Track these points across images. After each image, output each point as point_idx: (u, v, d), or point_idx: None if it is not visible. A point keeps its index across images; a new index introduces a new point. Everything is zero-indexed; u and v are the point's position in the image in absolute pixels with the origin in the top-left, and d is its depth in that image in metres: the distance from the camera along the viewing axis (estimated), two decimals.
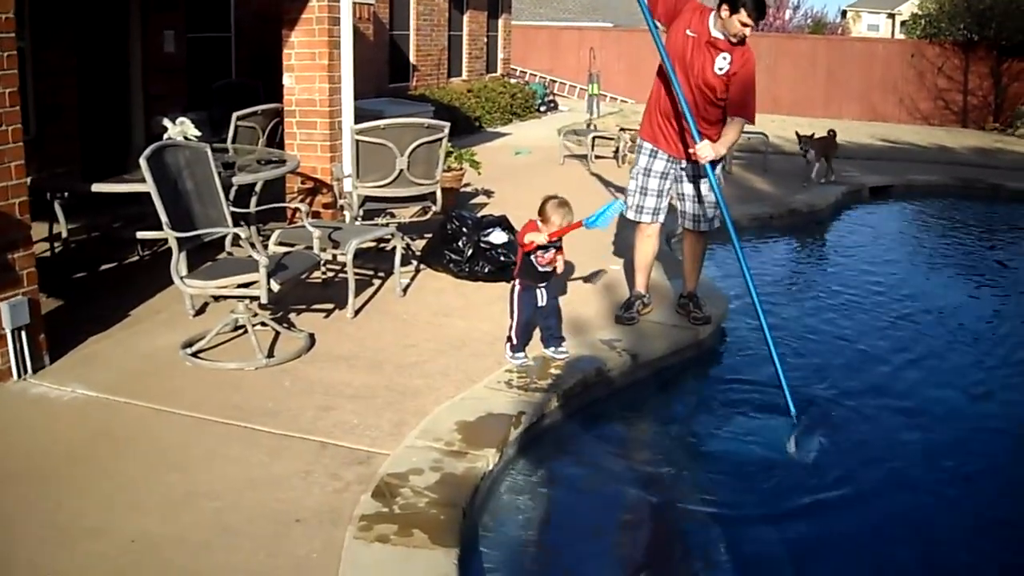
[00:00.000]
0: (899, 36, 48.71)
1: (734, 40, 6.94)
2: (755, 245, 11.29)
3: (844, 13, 65.22)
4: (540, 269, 6.44)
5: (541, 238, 6.31)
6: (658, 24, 7.05)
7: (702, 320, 7.58)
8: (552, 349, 6.61)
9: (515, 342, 6.51)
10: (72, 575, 4.08)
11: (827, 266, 10.69)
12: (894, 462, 5.88)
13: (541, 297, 6.54)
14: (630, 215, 7.50)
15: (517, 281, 6.53)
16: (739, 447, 6.05)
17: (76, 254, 8.53)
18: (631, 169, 7.61)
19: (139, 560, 4.18)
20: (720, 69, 6.97)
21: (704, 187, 7.34)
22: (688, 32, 6.98)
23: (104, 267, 8.52)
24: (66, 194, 7.87)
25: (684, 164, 7.35)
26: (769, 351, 6.59)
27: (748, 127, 7.51)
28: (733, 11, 6.81)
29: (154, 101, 11.88)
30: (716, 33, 6.95)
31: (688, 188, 7.42)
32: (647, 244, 7.62)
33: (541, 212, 6.43)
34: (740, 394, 6.82)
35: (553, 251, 6.48)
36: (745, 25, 6.82)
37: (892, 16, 60.94)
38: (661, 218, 7.53)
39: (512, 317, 6.52)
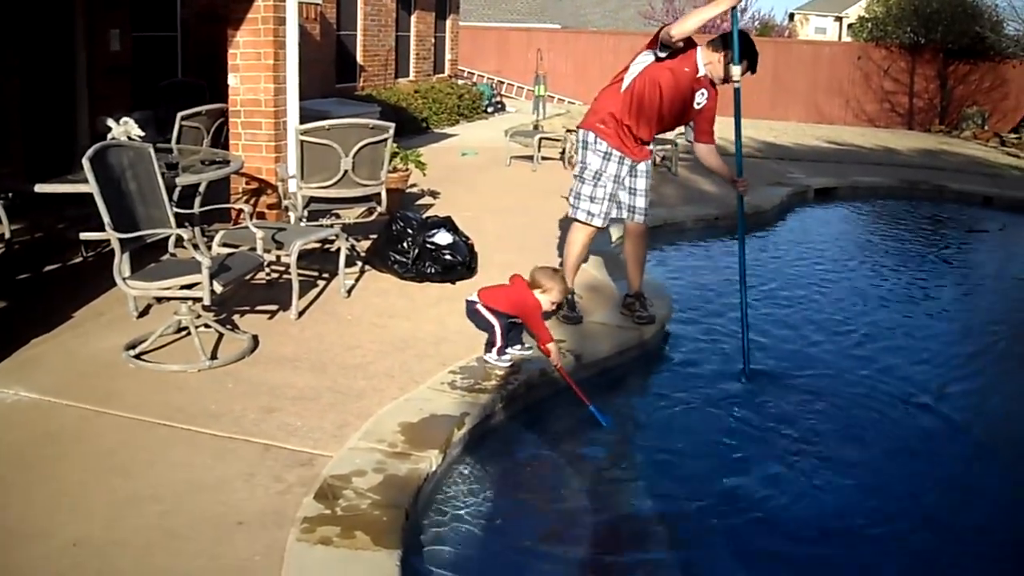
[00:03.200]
0: (846, 39, 49.14)
1: (715, 82, 7.35)
2: (701, 245, 11.38)
3: (792, 16, 65.68)
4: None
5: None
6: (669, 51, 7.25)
7: (646, 319, 7.68)
8: (518, 347, 6.68)
9: (500, 344, 6.52)
10: None
11: (770, 265, 10.77)
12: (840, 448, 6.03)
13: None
14: (598, 222, 7.60)
15: (479, 303, 6.60)
16: (683, 446, 6.13)
17: (19, 255, 8.46)
18: (594, 176, 7.54)
19: (82, 563, 4.17)
20: (698, 104, 7.42)
21: (648, 181, 7.71)
22: (685, 68, 7.25)
23: (48, 268, 8.45)
24: (9, 194, 7.82)
25: (638, 164, 7.60)
26: (742, 315, 7.36)
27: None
28: (730, 61, 7.14)
29: (99, 100, 11.77)
30: (703, 71, 7.29)
31: (641, 183, 7.66)
32: (587, 247, 7.85)
33: (535, 283, 6.62)
34: (683, 393, 6.89)
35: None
36: (732, 75, 7.15)
37: (840, 19, 61.45)
38: None
39: (493, 328, 6.53)
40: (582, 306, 7.80)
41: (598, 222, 7.59)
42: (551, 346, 6.48)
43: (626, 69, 7.45)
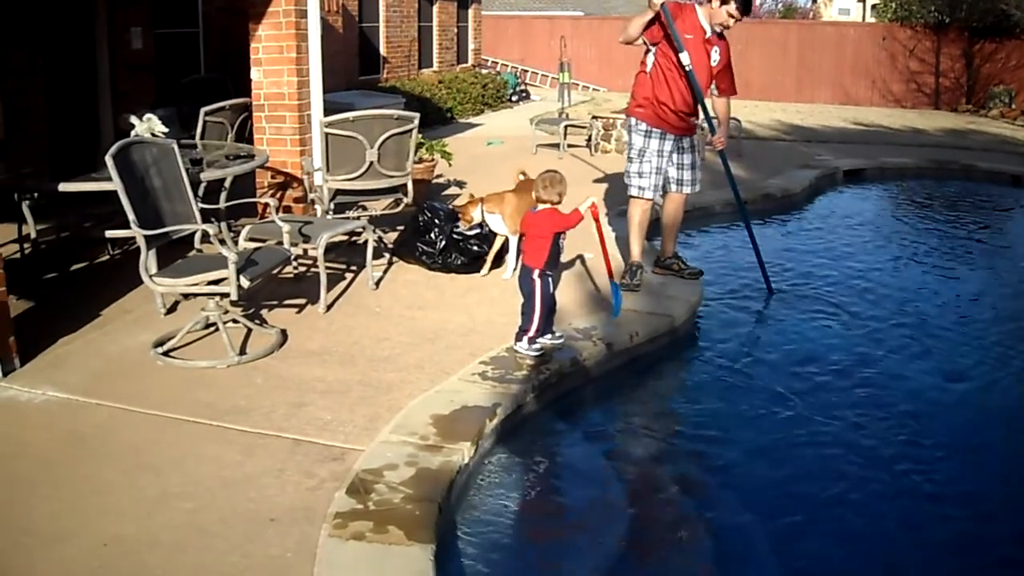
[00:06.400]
0: (870, 19, 48.81)
1: (718, 31, 8.03)
2: (730, 229, 11.28)
3: None
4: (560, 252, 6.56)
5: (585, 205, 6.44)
6: (654, 42, 8.00)
7: (697, 272, 8.46)
8: (548, 337, 6.55)
9: (532, 334, 6.40)
10: None
11: (801, 249, 10.66)
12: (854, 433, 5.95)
13: (552, 285, 6.53)
14: (648, 195, 8.25)
15: (536, 272, 6.39)
16: (716, 433, 6.07)
17: (46, 255, 8.47)
18: (639, 153, 8.20)
19: (112, 563, 4.14)
20: (715, 62, 8.05)
21: (696, 155, 8.42)
22: (686, 36, 7.86)
23: (74, 267, 8.44)
24: (35, 194, 7.79)
25: (683, 138, 8.27)
26: (750, 236, 8.70)
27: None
28: (724, 2, 7.85)
29: (122, 98, 11.76)
30: (708, 32, 7.96)
31: (687, 158, 8.33)
32: (647, 216, 8.42)
33: (540, 200, 6.52)
34: (716, 379, 6.84)
35: None
36: (731, 16, 7.88)
37: (863, 0, 61.00)
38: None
39: (535, 310, 6.38)
40: (643, 279, 8.14)
41: (648, 194, 8.24)
42: (582, 208, 6.41)
43: (645, 57, 8.11)
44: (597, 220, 6.54)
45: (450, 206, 8.73)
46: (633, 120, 8.24)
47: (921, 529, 5.07)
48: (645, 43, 8.03)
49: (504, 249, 8.43)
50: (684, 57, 7.78)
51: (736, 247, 10.29)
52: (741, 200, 8.99)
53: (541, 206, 6.50)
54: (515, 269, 7.99)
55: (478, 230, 8.39)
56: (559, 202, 6.51)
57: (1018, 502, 5.44)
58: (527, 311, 6.43)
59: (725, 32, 8.09)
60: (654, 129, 8.11)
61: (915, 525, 5.10)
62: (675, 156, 8.23)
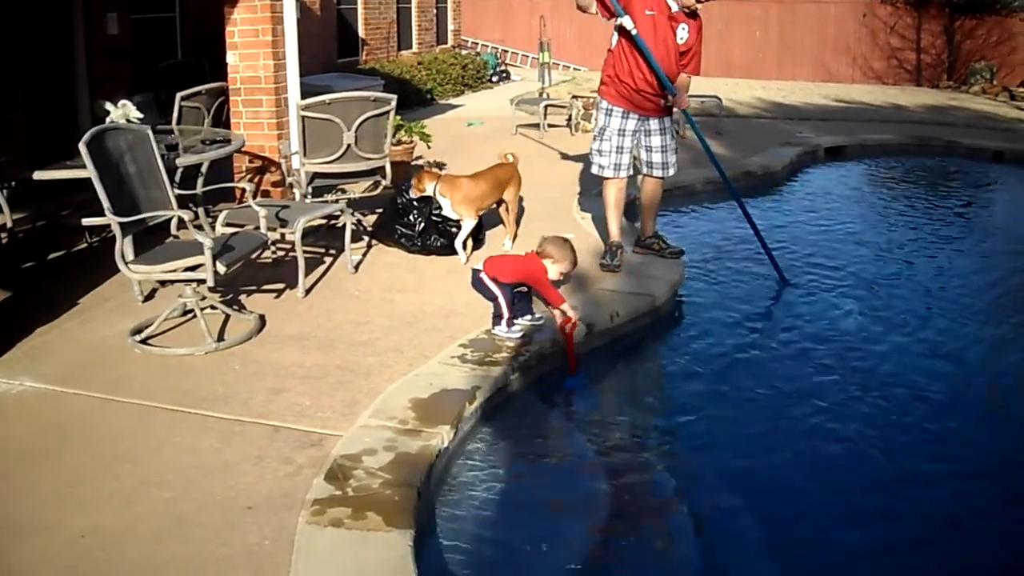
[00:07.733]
0: None
1: (687, 11, 7.86)
2: (711, 208, 11.28)
3: None
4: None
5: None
6: (607, 16, 7.91)
7: (678, 252, 8.37)
8: (528, 318, 6.57)
9: (507, 315, 6.41)
10: (22, 573, 4.00)
11: (782, 227, 10.65)
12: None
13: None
14: (608, 173, 8.17)
15: (484, 275, 6.46)
16: (698, 412, 6.07)
17: (23, 244, 8.40)
18: (599, 131, 8.20)
19: (91, 555, 4.11)
20: (681, 39, 7.91)
21: (667, 137, 8.22)
22: (647, 12, 7.78)
23: (52, 256, 8.39)
24: (12, 183, 7.74)
25: (650, 120, 8.14)
26: (754, 230, 8.62)
27: (703, 92, 8.29)
28: None
29: (99, 85, 11.67)
30: (674, 7, 7.82)
31: (656, 140, 8.19)
32: (621, 195, 8.30)
33: (543, 253, 6.57)
34: (697, 360, 6.82)
35: None
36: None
37: None
38: (630, 171, 8.26)
39: (497, 299, 6.41)
40: (624, 259, 8.09)
41: (608, 173, 8.16)
42: (565, 307, 6.42)
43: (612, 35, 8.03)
44: (569, 335, 6.45)
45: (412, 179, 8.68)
46: (598, 98, 8.34)
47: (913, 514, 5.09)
48: (597, 14, 7.98)
49: (480, 230, 8.43)
50: (626, 21, 7.69)
51: (718, 225, 10.30)
52: (727, 176, 9.10)
53: (543, 259, 6.55)
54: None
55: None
56: (557, 271, 6.60)
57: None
58: (493, 303, 6.48)
59: (699, 9, 7.95)
60: (615, 108, 8.08)
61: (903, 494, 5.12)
62: (642, 138, 8.19)
